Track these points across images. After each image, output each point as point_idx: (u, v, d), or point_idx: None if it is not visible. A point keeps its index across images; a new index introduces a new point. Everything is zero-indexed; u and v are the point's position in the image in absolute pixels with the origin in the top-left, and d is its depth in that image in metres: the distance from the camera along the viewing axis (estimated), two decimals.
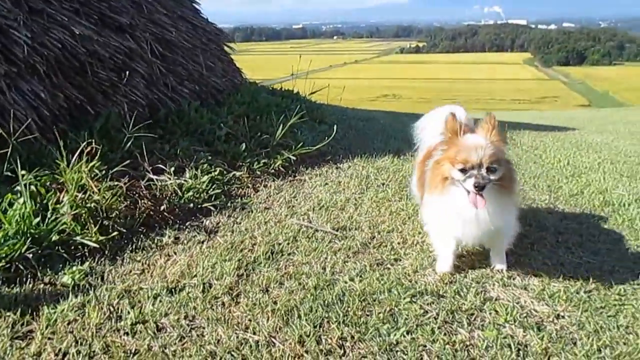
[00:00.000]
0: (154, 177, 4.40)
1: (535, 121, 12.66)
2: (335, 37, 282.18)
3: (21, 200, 3.44)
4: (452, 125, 3.03)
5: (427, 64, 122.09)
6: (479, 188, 2.86)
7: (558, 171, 5.91)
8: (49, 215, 3.48)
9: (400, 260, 3.55)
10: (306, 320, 2.81)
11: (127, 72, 5.35)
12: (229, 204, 4.41)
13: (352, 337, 2.70)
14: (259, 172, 5.16)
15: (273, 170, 5.23)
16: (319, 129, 6.87)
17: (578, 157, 6.76)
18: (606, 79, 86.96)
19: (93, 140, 4.08)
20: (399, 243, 3.79)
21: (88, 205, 3.64)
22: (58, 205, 3.60)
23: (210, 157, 5.05)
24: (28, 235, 3.25)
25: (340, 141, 6.68)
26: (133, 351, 2.53)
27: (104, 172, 3.99)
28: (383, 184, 5.10)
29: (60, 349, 2.50)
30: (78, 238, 3.40)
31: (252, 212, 4.30)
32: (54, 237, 3.33)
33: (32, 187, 3.61)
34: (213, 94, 6.97)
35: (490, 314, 2.93)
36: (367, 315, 2.89)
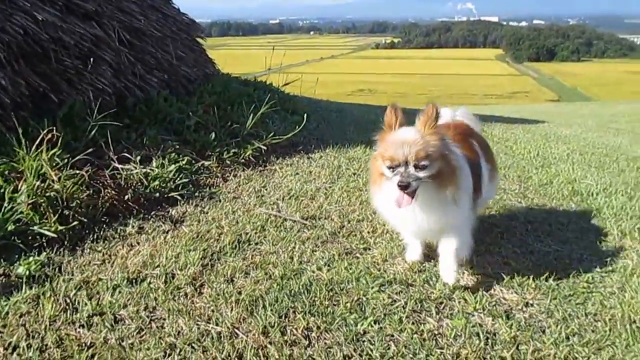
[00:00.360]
0: (119, 166, 4.26)
1: (506, 114, 12.73)
2: (312, 33, 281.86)
3: None
4: (388, 119, 2.81)
5: (402, 59, 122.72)
6: (403, 187, 2.64)
7: (528, 162, 5.92)
8: (5, 205, 3.34)
9: (370, 249, 3.49)
10: (271, 310, 2.74)
11: (93, 60, 5.18)
12: (196, 194, 4.31)
13: (318, 327, 2.63)
14: (228, 162, 5.05)
15: (243, 160, 5.13)
16: (290, 119, 6.77)
17: (547, 148, 6.78)
18: (575, 74, 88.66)
19: (55, 128, 3.93)
20: (368, 232, 3.73)
21: (47, 194, 3.50)
22: (15, 195, 3.46)
23: (178, 147, 4.94)
24: None
25: (313, 132, 6.61)
26: (88, 344, 2.42)
27: (66, 160, 3.85)
28: (354, 174, 5.04)
29: (10, 343, 2.38)
30: (36, 228, 3.26)
31: (220, 201, 4.20)
32: (10, 227, 3.19)
33: None
34: (183, 83, 6.82)
35: (459, 302, 2.89)
36: (334, 305, 2.82)
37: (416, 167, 2.65)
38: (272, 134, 5.51)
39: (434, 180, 2.70)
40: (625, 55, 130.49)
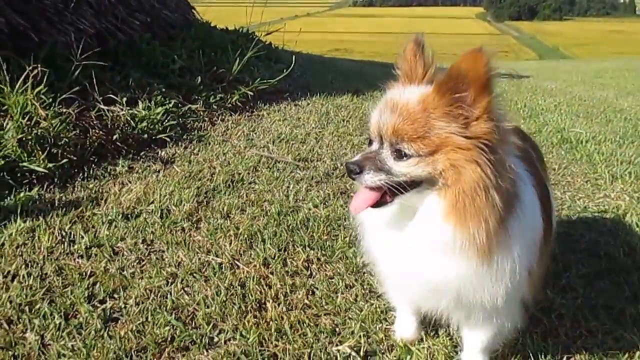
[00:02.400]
0: (105, 107, 4.16)
1: None
2: None
3: None
4: (407, 65, 1.69)
5: (379, 17, 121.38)
6: (350, 172, 1.62)
7: (515, 113, 5.94)
8: None
9: None
10: (270, 244, 2.74)
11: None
12: (184, 137, 4.24)
13: (318, 259, 2.65)
14: (215, 107, 4.97)
15: (230, 105, 5.06)
16: (275, 67, 6.65)
17: (534, 100, 6.82)
18: (557, 34, 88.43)
19: (38, 66, 3.81)
20: None
21: (35, 131, 3.41)
22: (1, 132, 3.36)
23: (164, 90, 4.83)
24: None
25: (298, 80, 6.53)
26: (88, 273, 2.41)
27: (51, 100, 3.74)
28: (343, 120, 5.00)
29: (9, 272, 2.35)
30: (25, 164, 3.18)
31: (209, 144, 4.15)
32: None
33: None
34: (165, 28, 6.62)
35: None
36: (333, 240, 2.84)
37: (395, 151, 1.57)
38: (258, 80, 5.43)
39: (439, 195, 1.55)
40: (608, 14, 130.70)
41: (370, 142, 1.64)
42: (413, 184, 1.57)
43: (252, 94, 5.27)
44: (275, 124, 4.76)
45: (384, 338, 2.15)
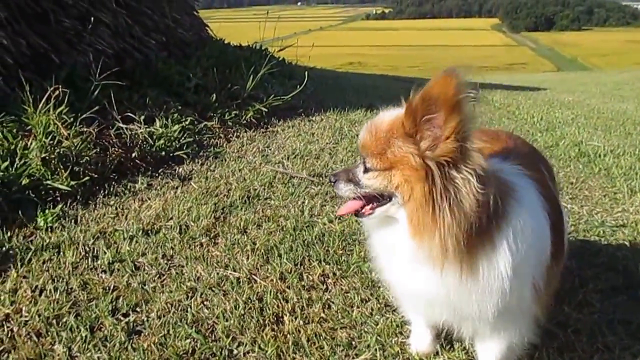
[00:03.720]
0: (124, 125, 4.27)
1: (505, 82, 12.77)
2: (299, 3, 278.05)
3: None
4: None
5: (393, 30, 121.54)
6: (330, 182, 1.92)
7: (532, 126, 5.98)
8: (17, 161, 3.36)
9: None
10: (287, 258, 2.81)
11: (92, 19, 5.14)
12: (201, 153, 4.34)
13: (334, 274, 2.71)
14: (230, 123, 5.08)
15: (245, 122, 5.16)
16: (289, 83, 6.76)
17: (551, 113, 6.84)
18: (575, 45, 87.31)
19: (60, 87, 3.93)
20: None
21: (57, 150, 3.52)
22: (26, 151, 3.47)
23: (180, 108, 4.94)
24: None
25: (311, 96, 6.62)
26: (112, 287, 2.49)
27: (72, 119, 3.86)
28: (357, 135, 5.05)
29: (36, 286, 2.44)
30: (49, 182, 3.29)
31: (225, 160, 4.24)
32: (24, 182, 3.22)
33: None
34: (180, 46, 6.77)
35: None
36: (348, 254, 2.90)
37: (363, 164, 1.73)
38: (272, 96, 5.53)
39: (404, 208, 1.67)
40: (628, 23, 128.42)
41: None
42: (383, 197, 1.71)
43: (266, 110, 5.37)
44: (289, 139, 4.84)
45: (399, 351, 2.20)
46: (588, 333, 2.31)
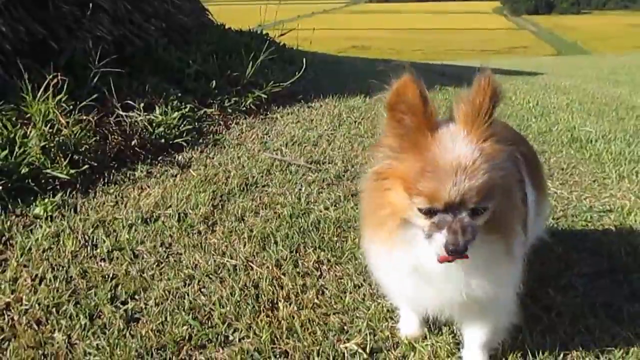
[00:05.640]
0: (123, 113, 4.30)
1: (504, 66, 12.72)
2: None
3: None
4: (412, 96, 1.56)
5: (396, 13, 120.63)
6: (455, 253, 1.55)
7: (527, 111, 5.99)
8: (16, 149, 3.40)
9: None
10: (282, 245, 2.86)
11: (91, 5, 5.15)
12: (200, 140, 4.38)
13: (329, 260, 2.76)
14: (230, 110, 5.10)
15: (244, 108, 5.18)
16: (289, 69, 6.76)
17: (547, 98, 6.84)
18: (575, 28, 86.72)
19: (59, 74, 3.96)
20: None
21: (57, 139, 3.56)
22: (25, 140, 3.51)
23: (180, 95, 4.96)
24: None
25: (311, 81, 6.63)
26: (111, 276, 2.55)
27: (71, 107, 3.89)
28: (355, 122, 5.10)
29: (36, 275, 2.50)
30: (48, 171, 3.33)
31: (224, 147, 4.28)
32: (24, 170, 3.26)
33: None
34: (180, 32, 6.77)
35: None
36: (343, 241, 2.95)
37: (475, 211, 1.56)
38: (271, 83, 5.55)
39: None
40: (626, 7, 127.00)
41: (433, 211, 1.58)
42: None
43: (265, 96, 5.39)
44: (288, 126, 4.87)
45: (389, 336, 2.25)
46: (571, 316, 2.36)
